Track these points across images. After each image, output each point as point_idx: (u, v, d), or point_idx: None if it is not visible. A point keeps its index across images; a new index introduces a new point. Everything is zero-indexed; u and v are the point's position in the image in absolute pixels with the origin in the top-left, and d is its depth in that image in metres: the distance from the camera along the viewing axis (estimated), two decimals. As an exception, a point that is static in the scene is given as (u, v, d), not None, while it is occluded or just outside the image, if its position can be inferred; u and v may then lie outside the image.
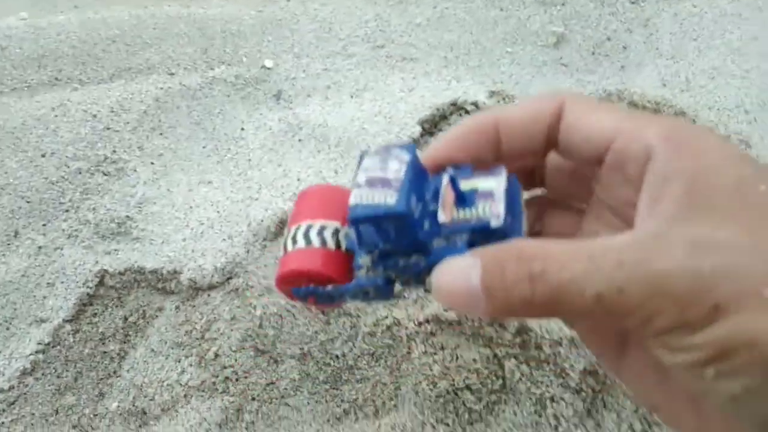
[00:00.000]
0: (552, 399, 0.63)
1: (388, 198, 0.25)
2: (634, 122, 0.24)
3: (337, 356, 0.70)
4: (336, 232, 0.29)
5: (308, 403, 0.70)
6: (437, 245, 0.26)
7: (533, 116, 0.27)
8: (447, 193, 0.26)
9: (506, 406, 0.65)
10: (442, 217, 0.26)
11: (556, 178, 0.30)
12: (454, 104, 0.92)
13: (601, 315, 0.20)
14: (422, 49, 1.09)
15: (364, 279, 0.28)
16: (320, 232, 0.29)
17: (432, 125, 0.92)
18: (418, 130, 0.89)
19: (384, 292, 0.28)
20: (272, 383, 0.70)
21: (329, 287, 0.28)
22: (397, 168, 0.27)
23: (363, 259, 0.28)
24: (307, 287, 0.29)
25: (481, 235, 0.25)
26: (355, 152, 0.84)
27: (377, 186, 0.26)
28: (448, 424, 0.65)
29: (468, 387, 0.65)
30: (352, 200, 0.26)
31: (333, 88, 0.99)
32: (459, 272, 0.23)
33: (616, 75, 1.21)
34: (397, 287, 0.29)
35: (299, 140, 0.88)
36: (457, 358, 0.66)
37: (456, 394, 0.65)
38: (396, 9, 1.16)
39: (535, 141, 0.27)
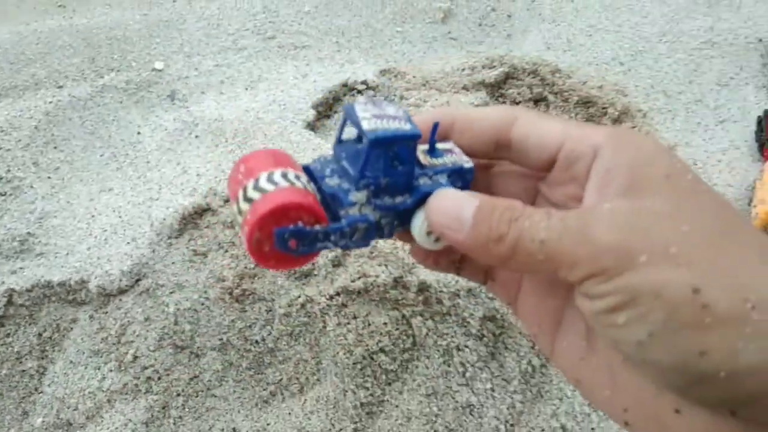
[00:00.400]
0: (457, 348, 0.68)
1: (402, 125, 0.28)
2: (581, 128, 0.28)
3: (257, 341, 0.72)
4: (301, 178, 0.28)
5: (234, 391, 0.71)
6: (423, 183, 0.29)
7: (486, 118, 0.30)
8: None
9: (418, 362, 0.69)
10: (423, 161, 0.30)
11: (501, 184, 0.33)
12: (345, 85, 0.95)
13: (544, 261, 0.25)
14: (314, 36, 1.11)
15: (357, 215, 0.28)
16: (285, 176, 0.28)
17: (327, 107, 0.95)
18: (312, 113, 0.91)
19: (371, 232, 0.29)
20: (196, 377, 0.71)
21: (317, 227, 0.27)
22: (395, 109, 0.29)
23: (356, 196, 0.29)
24: (294, 227, 0.27)
25: (457, 174, 0.30)
26: (253, 142, 0.85)
27: (385, 119, 0.28)
28: (367, 388, 0.68)
29: (382, 350, 0.69)
30: (367, 126, 0.27)
31: (227, 82, 1.00)
32: (457, 198, 0.27)
33: (503, 44, 1.27)
34: (386, 229, 0.30)
35: (196, 137, 0.88)
36: (369, 324, 0.70)
37: (372, 358, 0.69)
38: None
39: (484, 140, 0.30)
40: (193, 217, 0.77)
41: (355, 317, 0.71)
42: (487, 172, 0.34)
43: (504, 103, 1.01)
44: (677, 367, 0.23)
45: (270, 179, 0.27)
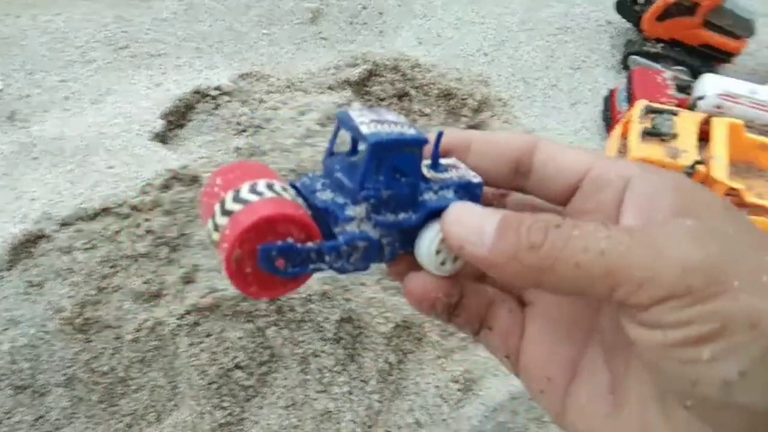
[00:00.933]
0: (314, 354, 0.66)
1: (405, 129, 0.25)
2: (610, 159, 0.25)
3: (105, 372, 0.67)
4: (285, 189, 0.24)
5: (86, 428, 0.66)
6: (428, 198, 0.26)
7: (507, 142, 0.27)
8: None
9: (277, 373, 0.66)
10: (427, 174, 0.26)
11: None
12: (197, 92, 0.91)
13: (600, 277, 0.20)
14: (171, 44, 1.06)
15: (356, 232, 0.24)
16: (271, 187, 0.24)
17: (178, 116, 0.90)
18: (161, 124, 0.86)
19: (372, 252, 0.25)
20: (41, 417, 0.65)
21: (309, 244, 0.23)
22: (395, 115, 0.26)
23: (354, 210, 0.25)
24: (283, 243, 0.22)
25: (465, 190, 0.26)
26: (93, 159, 0.80)
27: (386, 124, 0.25)
28: (225, 407, 0.65)
29: (237, 366, 0.66)
30: (367, 130, 0.24)
31: (72, 98, 0.93)
32: (478, 210, 0.24)
33: (375, 41, 1.27)
34: (386, 250, 0.26)
35: (34, 158, 0.83)
36: (223, 341, 0.66)
37: (228, 376, 0.66)
38: (138, 8, 1.12)
39: (504, 164, 0.27)
40: (26, 246, 0.71)
41: (208, 335, 0.67)
42: (503, 200, 0.30)
43: (369, 100, 0.99)
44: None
45: (253, 190, 0.23)
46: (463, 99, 0.97)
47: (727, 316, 0.19)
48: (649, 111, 0.91)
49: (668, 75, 1.09)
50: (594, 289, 0.21)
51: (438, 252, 0.26)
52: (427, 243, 0.26)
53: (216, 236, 0.23)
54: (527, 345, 0.27)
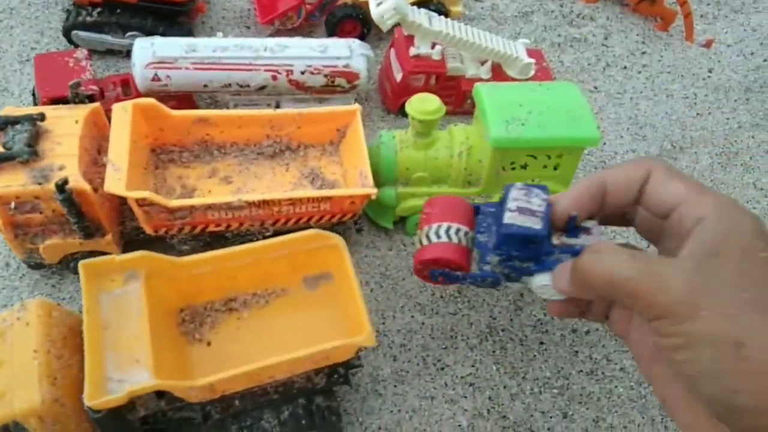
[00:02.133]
0: None
1: (534, 224, 0.43)
2: (697, 194, 0.36)
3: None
4: (460, 232, 0.48)
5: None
6: (549, 258, 0.44)
7: (631, 179, 0.40)
8: (557, 223, 0.44)
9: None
10: (555, 241, 0.44)
11: (641, 223, 0.44)
12: None
13: (623, 294, 0.35)
14: None
15: (488, 272, 0.47)
16: (448, 231, 0.48)
17: None
18: None
19: (495, 283, 0.48)
20: None
21: (458, 273, 0.49)
22: (539, 203, 0.44)
23: (492, 258, 0.46)
24: (441, 270, 0.49)
25: (578, 254, 0.40)
26: None
27: (526, 213, 0.43)
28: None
29: None
30: (508, 220, 0.43)
31: None
32: (565, 269, 0.41)
33: None
34: (503, 282, 0.49)
35: None
36: None
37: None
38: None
39: (630, 196, 0.40)
40: None
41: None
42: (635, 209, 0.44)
43: None
44: (717, 399, 0.31)
45: (437, 232, 0.48)
46: None
47: (692, 335, 0.31)
48: (3, 123, 0.66)
49: (81, 54, 0.85)
50: (622, 301, 0.37)
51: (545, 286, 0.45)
52: (543, 284, 0.45)
53: (418, 245, 0.50)
54: (633, 331, 0.43)
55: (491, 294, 0.78)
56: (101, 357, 0.54)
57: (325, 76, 0.88)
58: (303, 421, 0.61)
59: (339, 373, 0.62)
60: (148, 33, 0.95)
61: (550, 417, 0.69)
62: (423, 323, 0.75)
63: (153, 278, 0.61)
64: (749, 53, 1.20)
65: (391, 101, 0.98)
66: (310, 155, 0.85)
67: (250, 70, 0.86)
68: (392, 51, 0.97)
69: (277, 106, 0.91)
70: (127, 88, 0.84)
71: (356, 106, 0.81)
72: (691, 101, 1.10)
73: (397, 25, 0.90)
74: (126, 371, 0.53)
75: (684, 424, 0.37)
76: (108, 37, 0.97)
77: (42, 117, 0.67)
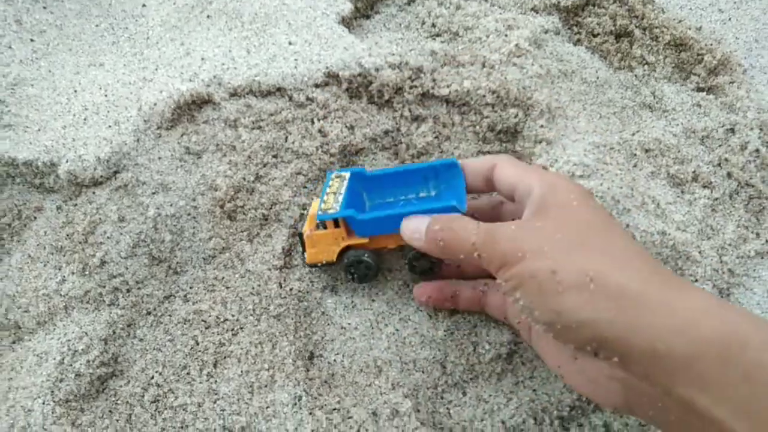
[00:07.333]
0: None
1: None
2: (527, 173, 0.45)
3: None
4: None
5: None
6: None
7: (479, 167, 0.50)
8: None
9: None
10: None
11: (504, 210, 0.53)
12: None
13: (469, 253, 0.42)
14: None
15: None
16: None
17: (368, 5, 0.78)
18: (349, 7, 0.74)
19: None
20: (171, 296, 0.56)
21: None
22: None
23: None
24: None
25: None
26: (273, 31, 0.70)
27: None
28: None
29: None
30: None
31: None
32: (418, 220, 0.47)
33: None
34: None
35: (208, 16, 0.72)
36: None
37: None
38: None
39: (480, 180, 0.50)
40: (190, 108, 0.62)
41: None
42: (500, 206, 0.53)
43: (579, 33, 0.77)
44: (548, 321, 0.37)
45: None
46: (699, 54, 0.74)
47: (520, 274, 0.38)
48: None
49: None
50: (472, 262, 0.46)
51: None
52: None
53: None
54: (509, 308, 0.49)
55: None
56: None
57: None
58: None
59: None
60: None
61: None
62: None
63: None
64: None
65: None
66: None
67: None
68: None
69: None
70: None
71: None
72: None
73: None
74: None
75: (553, 367, 0.44)
76: None
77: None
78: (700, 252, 0.58)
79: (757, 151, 0.65)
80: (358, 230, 0.51)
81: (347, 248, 0.53)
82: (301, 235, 0.53)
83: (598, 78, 0.71)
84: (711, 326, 0.33)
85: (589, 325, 0.35)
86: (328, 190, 0.53)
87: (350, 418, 0.50)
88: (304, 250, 0.54)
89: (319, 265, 0.54)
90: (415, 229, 0.46)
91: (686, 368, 0.33)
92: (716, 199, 0.62)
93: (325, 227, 0.52)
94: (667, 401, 0.35)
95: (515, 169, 0.47)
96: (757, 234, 0.62)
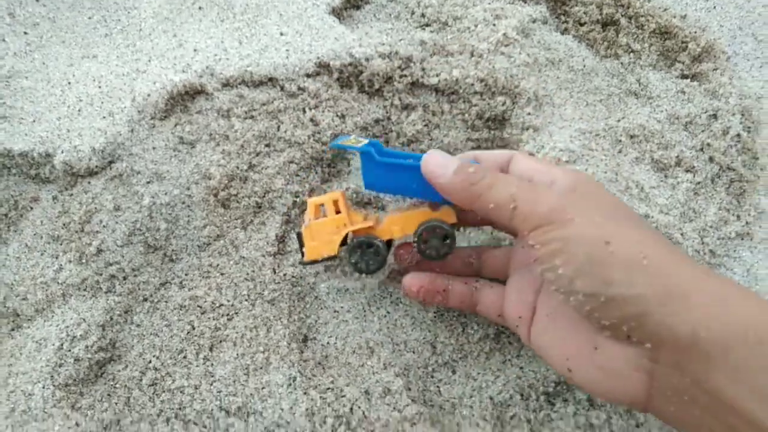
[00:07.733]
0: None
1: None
2: (548, 167, 0.44)
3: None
4: None
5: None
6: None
7: (495, 159, 0.48)
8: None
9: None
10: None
11: None
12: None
13: (504, 206, 0.40)
14: None
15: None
16: None
17: None
18: None
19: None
20: (167, 283, 0.58)
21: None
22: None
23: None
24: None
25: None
26: (264, 21, 0.71)
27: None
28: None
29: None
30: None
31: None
32: (445, 157, 0.44)
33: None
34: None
35: (199, 8, 0.73)
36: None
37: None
38: None
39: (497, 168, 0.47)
40: (183, 98, 0.63)
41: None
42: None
43: (566, 22, 0.77)
44: (592, 292, 0.36)
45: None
46: (684, 42, 0.75)
47: (567, 238, 0.37)
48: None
49: None
50: (500, 215, 0.40)
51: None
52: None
53: None
54: (507, 303, 0.48)
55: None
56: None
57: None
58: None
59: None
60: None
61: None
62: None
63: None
64: None
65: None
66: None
67: None
68: None
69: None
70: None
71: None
72: None
73: None
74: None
75: (559, 364, 0.42)
76: None
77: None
78: (682, 234, 0.59)
79: (739, 135, 0.66)
80: (369, 178, 0.47)
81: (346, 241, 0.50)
82: (299, 234, 0.50)
83: (584, 66, 0.72)
84: (747, 315, 0.33)
85: (637, 303, 0.35)
86: (345, 140, 0.50)
87: (343, 396, 0.52)
88: (302, 250, 0.50)
89: (319, 260, 0.50)
90: (441, 163, 0.42)
91: (723, 356, 0.33)
92: (698, 182, 0.64)
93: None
94: (696, 392, 0.34)
95: (533, 162, 0.45)
96: (738, 216, 0.63)
